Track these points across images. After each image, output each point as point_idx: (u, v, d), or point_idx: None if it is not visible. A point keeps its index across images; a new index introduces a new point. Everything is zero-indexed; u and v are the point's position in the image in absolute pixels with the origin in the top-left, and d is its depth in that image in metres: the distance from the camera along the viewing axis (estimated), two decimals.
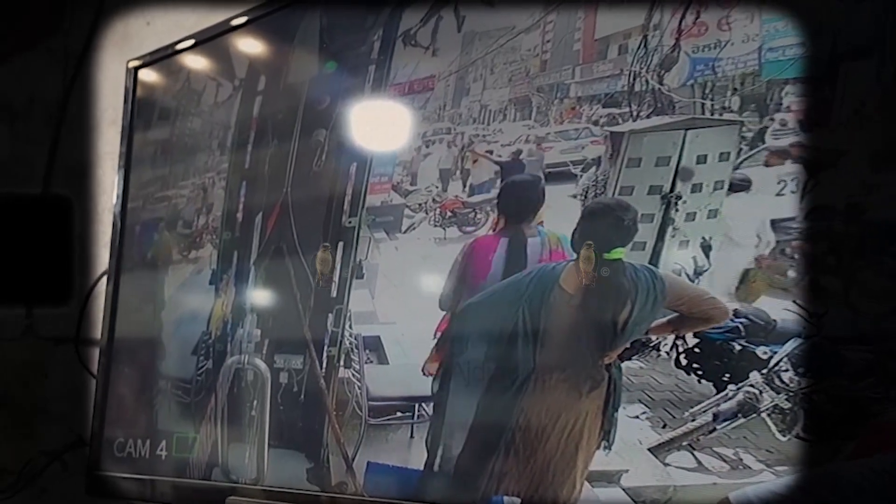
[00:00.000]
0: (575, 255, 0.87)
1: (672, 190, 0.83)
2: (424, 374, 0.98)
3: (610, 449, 0.82)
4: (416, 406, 0.99)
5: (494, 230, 0.96)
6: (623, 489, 0.80)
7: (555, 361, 0.86)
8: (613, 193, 0.87)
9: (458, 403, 0.93)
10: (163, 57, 1.55)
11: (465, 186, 1.01)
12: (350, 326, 1.11)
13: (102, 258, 1.70)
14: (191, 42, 1.49)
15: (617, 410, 0.81)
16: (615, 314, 0.82)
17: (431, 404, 0.96)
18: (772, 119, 0.78)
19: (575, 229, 0.87)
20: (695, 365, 0.79)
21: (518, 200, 0.94)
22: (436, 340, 0.98)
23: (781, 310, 0.74)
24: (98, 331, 1.56)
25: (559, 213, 0.90)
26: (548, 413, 0.84)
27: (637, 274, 0.82)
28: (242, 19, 1.38)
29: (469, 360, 0.93)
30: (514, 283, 0.91)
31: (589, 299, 0.84)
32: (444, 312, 0.98)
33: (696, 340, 0.79)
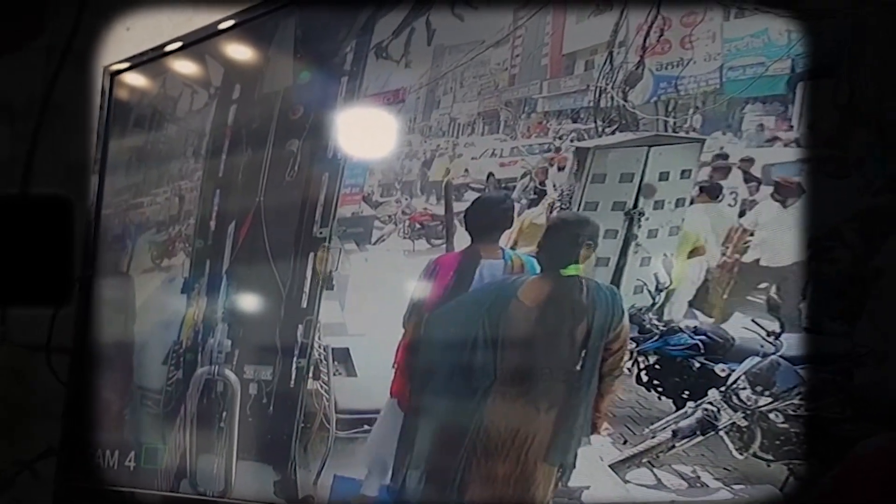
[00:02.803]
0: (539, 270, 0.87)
1: (635, 206, 0.83)
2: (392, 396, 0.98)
3: (567, 482, 0.81)
4: None
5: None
6: None
7: (514, 374, 0.85)
8: (578, 208, 0.87)
9: (423, 416, 0.93)
10: (140, 62, 1.54)
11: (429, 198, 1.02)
12: (319, 338, 1.10)
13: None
14: (168, 48, 1.48)
15: (575, 433, 0.81)
16: (572, 329, 0.82)
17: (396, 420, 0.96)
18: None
19: (539, 244, 0.87)
20: (655, 382, 0.79)
21: (482, 220, 0.94)
22: (396, 365, 0.98)
23: (740, 328, 0.74)
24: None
25: None
26: (507, 425, 0.84)
27: (598, 293, 0.82)
28: (219, 27, 1.37)
29: (432, 373, 0.92)
30: (475, 295, 0.91)
31: (547, 313, 0.84)
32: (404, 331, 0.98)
33: (657, 357, 0.79)
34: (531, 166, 0.92)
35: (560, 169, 0.90)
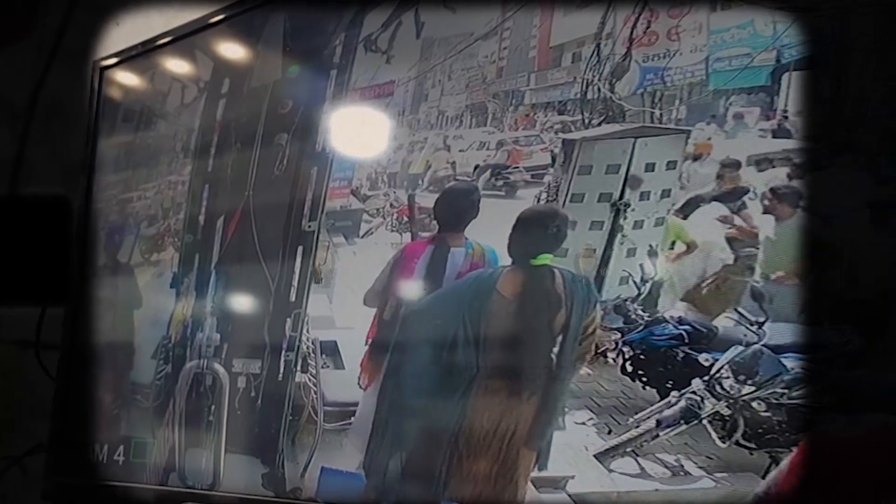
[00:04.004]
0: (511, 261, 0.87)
1: (621, 198, 0.83)
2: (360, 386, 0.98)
3: (545, 467, 0.82)
4: None
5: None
6: (569, 495, 0.80)
7: (495, 366, 0.86)
8: (565, 200, 0.87)
9: (405, 410, 0.93)
10: (129, 57, 1.54)
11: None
12: (307, 331, 1.10)
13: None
14: (158, 43, 1.48)
15: (553, 419, 0.81)
16: (549, 318, 0.82)
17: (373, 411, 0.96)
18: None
19: (510, 236, 0.88)
20: (640, 372, 0.79)
21: (449, 209, 0.95)
22: (367, 348, 0.98)
23: (723, 317, 0.74)
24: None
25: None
26: (489, 418, 0.84)
27: (574, 282, 0.82)
28: (208, 22, 1.37)
29: (413, 367, 0.92)
30: (454, 289, 0.91)
31: (524, 304, 0.85)
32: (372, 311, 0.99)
33: (642, 348, 0.79)
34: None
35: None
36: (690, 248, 0.80)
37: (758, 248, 0.74)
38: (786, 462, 0.65)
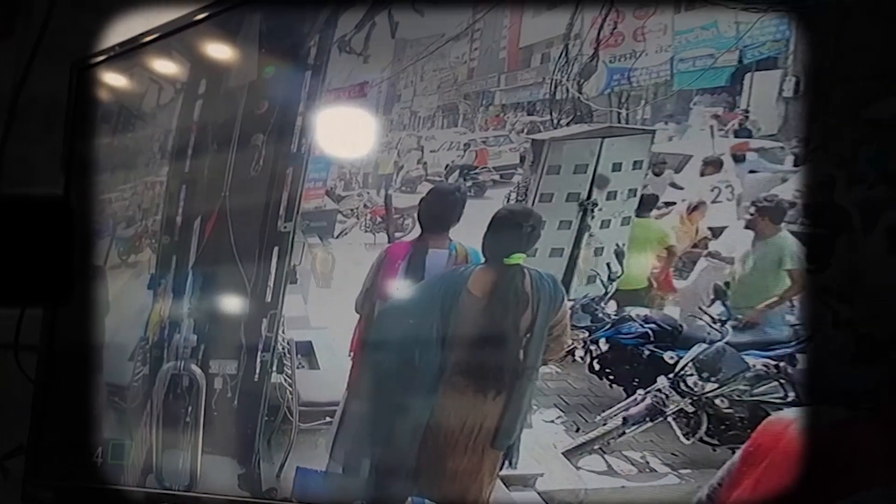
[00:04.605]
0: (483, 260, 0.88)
1: (589, 197, 0.84)
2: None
3: (513, 465, 0.83)
4: None
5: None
6: (538, 492, 0.81)
7: (462, 364, 0.86)
8: (534, 200, 0.88)
9: (375, 408, 0.94)
10: (107, 58, 1.53)
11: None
12: (283, 331, 1.10)
13: None
14: (135, 44, 1.47)
15: (519, 419, 0.82)
16: (517, 317, 0.83)
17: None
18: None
19: (485, 234, 0.88)
20: (607, 370, 0.80)
21: (432, 211, 0.95)
22: (352, 353, 0.98)
23: (688, 315, 0.75)
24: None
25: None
26: (456, 416, 0.85)
27: (541, 281, 0.83)
28: (186, 22, 1.37)
29: (385, 365, 0.93)
30: (426, 287, 0.92)
31: (493, 302, 0.85)
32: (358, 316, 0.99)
33: (608, 346, 0.80)
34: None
35: None
36: (671, 253, 0.80)
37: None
38: (738, 455, 0.65)
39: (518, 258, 0.85)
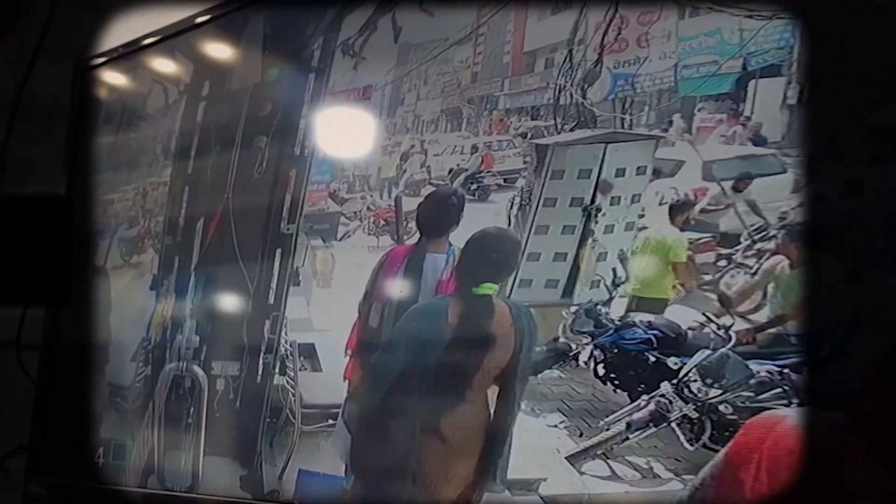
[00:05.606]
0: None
1: (592, 202, 0.84)
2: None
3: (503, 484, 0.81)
4: None
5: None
6: (540, 497, 0.81)
7: (434, 408, 0.84)
8: (538, 205, 0.88)
9: (378, 414, 0.94)
10: (111, 59, 1.53)
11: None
12: (286, 333, 1.11)
13: None
14: (139, 45, 1.47)
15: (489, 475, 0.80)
16: (485, 353, 0.80)
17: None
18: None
19: (458, 259, 0.87)
20: (611, 375, 0.80)
21: (429, 216, 0.95)
22: (349, 353, 0.98)
23: (692, 321, 0.75)
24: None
25: None
26: (430, 467, 0.82)
27: (520, 318, 0.80)
28: (190, 24, 1.37)
29: (377, 398, 0.92)
30: (417, 315, 0.89)
31: (461, 336, 0.82)
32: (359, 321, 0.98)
33: (614, 351, 0.80)
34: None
35: None
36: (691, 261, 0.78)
37: None
38: (721, 455, 0.66)
39: (488, 288, 0.80)
